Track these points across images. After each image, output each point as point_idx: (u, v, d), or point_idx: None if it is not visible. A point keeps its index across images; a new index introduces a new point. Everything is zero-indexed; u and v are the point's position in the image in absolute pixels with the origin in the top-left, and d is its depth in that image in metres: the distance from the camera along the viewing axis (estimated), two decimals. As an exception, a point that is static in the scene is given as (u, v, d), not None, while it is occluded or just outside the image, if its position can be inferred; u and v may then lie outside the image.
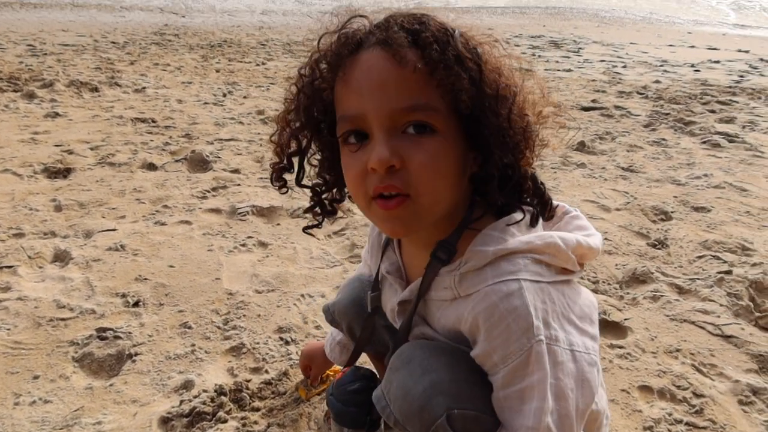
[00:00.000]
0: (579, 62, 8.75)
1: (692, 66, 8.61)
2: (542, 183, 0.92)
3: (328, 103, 0.88)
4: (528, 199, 0.90)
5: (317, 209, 1.00)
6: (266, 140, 0.90)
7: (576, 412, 0.82)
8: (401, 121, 0.79)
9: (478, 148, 0.84)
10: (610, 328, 1.86)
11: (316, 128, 0.92)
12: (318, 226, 1.00)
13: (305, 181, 0.98)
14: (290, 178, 0.98)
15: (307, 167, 0.97)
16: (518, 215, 0.89)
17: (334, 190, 0.99)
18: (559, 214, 1.02)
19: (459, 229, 0.89)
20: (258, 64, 7.24)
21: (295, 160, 0.96)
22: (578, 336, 0.84)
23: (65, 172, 3.11)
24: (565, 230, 0.98)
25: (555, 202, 1.02)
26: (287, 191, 0.99)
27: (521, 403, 0.81)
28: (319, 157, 0.98)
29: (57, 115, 4.26)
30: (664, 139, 4.26)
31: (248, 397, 1.49)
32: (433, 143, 0.79)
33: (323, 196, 0.99)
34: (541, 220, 0.92)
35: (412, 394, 0.88)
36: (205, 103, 4.96)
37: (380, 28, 0.82)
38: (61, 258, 2.21)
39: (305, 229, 1.03)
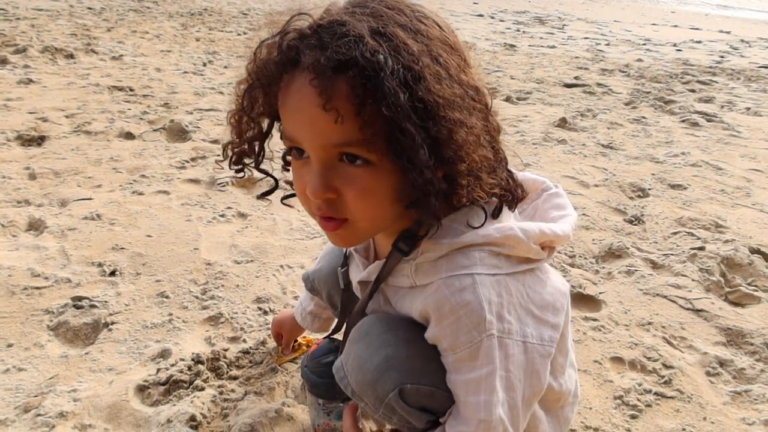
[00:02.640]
0: (563, 39, 8.73)
1: (674, 45, 8.64)
2: (510, 176, 0.90)
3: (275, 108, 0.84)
4: (494, 191, 0.85)
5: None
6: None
7: (523, 401, 0.85)
8: (334, 152, 0.76)
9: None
10: (585, 301, 1.90)
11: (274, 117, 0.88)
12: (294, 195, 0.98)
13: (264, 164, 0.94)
14: (249, 161, 0.94)
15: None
16: (483, 208, 0.86)
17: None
18: (538, 190, 1.01)
19: (419, 221, 0.86)
20: (239, 34, 7.10)
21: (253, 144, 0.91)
22: (534, 326, 0.85)
23: (39, 140, 3.05)
24: (541, 208, 0.99)
25: (535, 176, 1.03)
26: (245, 175, 0.95)
27: (466, 394, 0.84)
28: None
29: (31, 81, 4.15)
30: (644, 117, 4.29)
31: (226, 366, 1.49)
32: (365, 175, 0.76)
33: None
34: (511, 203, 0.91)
35: (366, 366, 0.90)
36: (185, 72, 4.87)
37: (315, 38, 0.74)
38: (36, 227, 2.17)
39: (283, 200, 1.01)
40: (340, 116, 0.71)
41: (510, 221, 0.88)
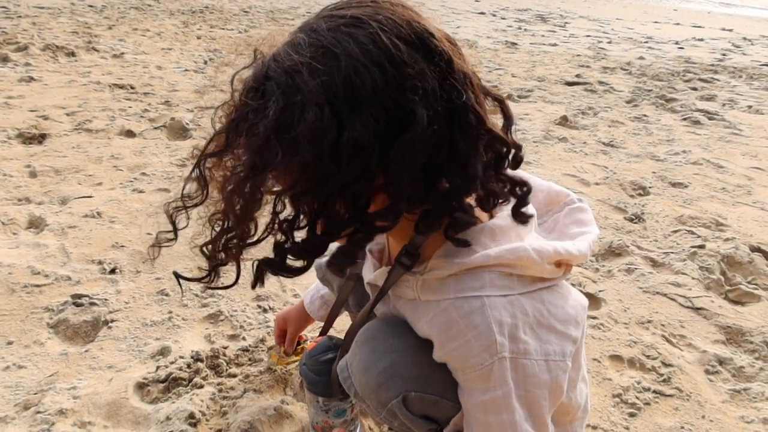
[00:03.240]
0: (565, 37, 8.71)
1: (676, 43, 8.62)
2: (491, 195, 0.82)
3: None
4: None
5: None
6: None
7: (548, 414, 0.84)
8: None
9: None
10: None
11: None
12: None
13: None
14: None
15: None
16: (497, 221, 0.84)
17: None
18: (561, 203, 0.98)
19: (419, 236, 0.83)
20: (240, 32, 7.10)
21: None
22: (557, 342, 0.83)
23: (40, 138, 3.05)
24: (562, 222, 0.96)
25: (560, 188, 1.00)
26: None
27: (486, 414, 0.82)
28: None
29: (32, 79, 4.16)
30: (645, 115, 4.28)
31: (225, 364, 1.49)
32: None
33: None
34: (534, 219, 0.89)
35: (371, 371, 0.89)
36: (186, 70, 4.87)
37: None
38: (36, 224, 2.18)
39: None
40: None
41: (526, 238, 0.85)
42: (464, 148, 0.73)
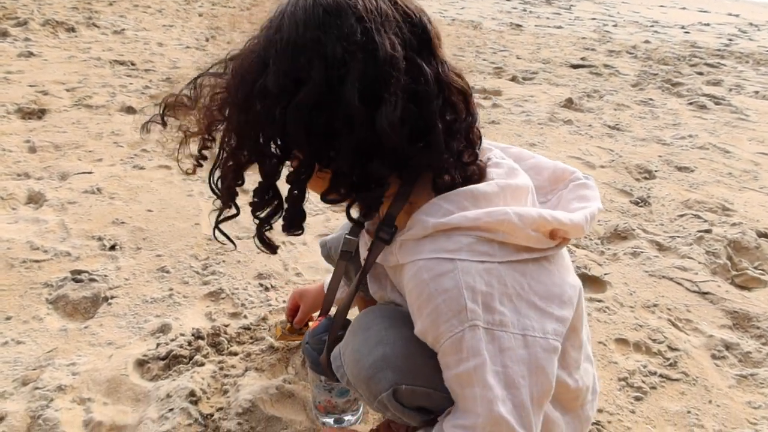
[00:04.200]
0: (570, 19, 8.62)
1: (682, 28, 8.53)
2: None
3: None
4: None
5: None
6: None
7: (532, 400, 0.77)
8: None
9: None
10: (590, 282, 1.87)
11: None
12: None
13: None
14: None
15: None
16: (482, 186, 0.81)
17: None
18: (566, 180, 0.94)
19: (394, 206, 0.84)
20: (242, 9, 7.02)
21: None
22: (537, 319, 0.78)
23: (40, 113, 3.01)
24: (565, 198, 0.92)
25: (565, 165, 0.96)
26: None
27: (462, 387, 0.78)
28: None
29: (31, 54, 4.10)
30: (651, 99, 4.24)
31: (226, 342, 1.48)
32: None
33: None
34: (529, 192, 0.85)
35: (362, 362, 0.88)
36: (187, 47, 4.81)
37: None
38: (35, 200, 2.15)
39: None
40: None
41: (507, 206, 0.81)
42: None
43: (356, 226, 0.92)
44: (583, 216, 0.84)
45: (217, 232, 0.89)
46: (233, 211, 0.88)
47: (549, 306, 0.80)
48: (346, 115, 0.73)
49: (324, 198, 0.82)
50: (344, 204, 0.83)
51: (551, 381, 0.79)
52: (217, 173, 0.85)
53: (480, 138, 0.89)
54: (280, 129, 0.76)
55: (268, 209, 0.85)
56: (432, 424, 0.89)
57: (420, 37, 0.77)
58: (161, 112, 0.87)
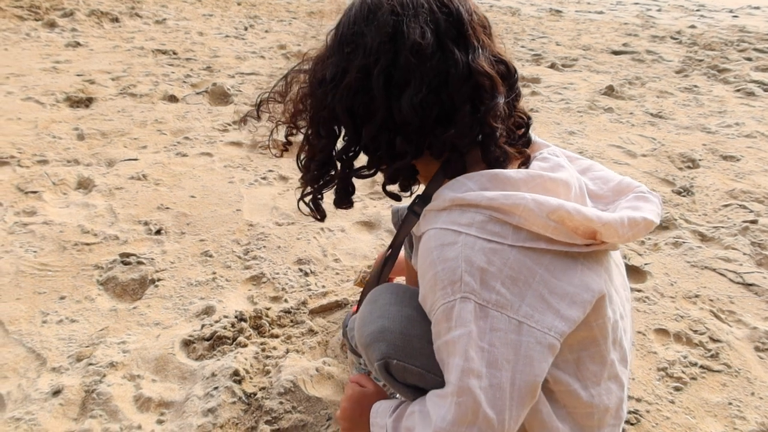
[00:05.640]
0: (612, 4, 8.41)
1: (730, 11, 8.24)
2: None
3: None
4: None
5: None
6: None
7: (512, 386, 0.75)
8: None
9: None
10: (630, 272, 1.85)
11: None
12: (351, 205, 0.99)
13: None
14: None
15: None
16: (508, 171, 0.82)
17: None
18: (629, 192, 0.93)
19: (432, 183, 0.88)
20: (280, -2, 7.07)
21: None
22: (540, 311, 0.77)
23: (87, 102, 3.11)
24: (621, 206, 0.89)
25: (631, 180, 0.95)
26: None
27: (447, 356, 0.78)
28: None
29: (78, 44, 4.23)
30: (696, 86, 4.12)
31: (267, 325, 1.52)
32: None
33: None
34: (573, 186, 0.85)
35: (363, 330, 0.95)
36: (227, 36, 4.88)
37: None
38: (85, 185, 2.23)
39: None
40: None
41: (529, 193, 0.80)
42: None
43: (393, 199, 0.98)
44: (618, 218, 0.81)
45: (301, 204, 0.99)
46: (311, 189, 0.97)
47: (558, 302, 0.78)
48: (376, 98, 0.82)
49: (356, 173, 0.92)
50: (379, 179, 0.92)
51: (537, 375, 0.77)
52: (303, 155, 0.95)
53: (525, 123, 0.91)
54: (331, 111, 0.86)
55: (322, 181, 0.94)
56: None
57: (455, 25, 0.83)
58: (257, 106, 0.97)
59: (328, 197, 0.97)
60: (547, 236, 0.79)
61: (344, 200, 0.95)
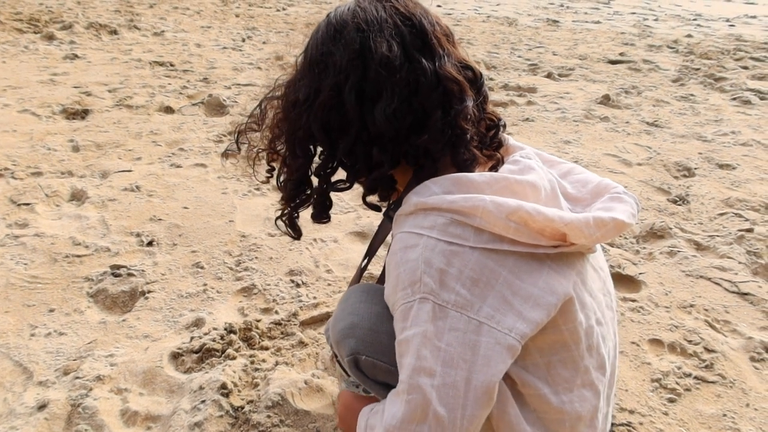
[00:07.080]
0: (609, 14, 8.45)
1: (727, 21, 8.27)
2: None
3: None
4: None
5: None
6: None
7: (467, 385, 0.74)
8: None
9: None
10: (624, 281, 1.84)
11: None
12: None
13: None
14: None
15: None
16: (472, 174, 0.82)
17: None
18: (605, 193, 0.92)
19: (406, 190, 0.90)
20: (278, 10, 7.10)
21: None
22: (502, 311, 0.76)
23: (83, 114, 3.11)
24: (595, 208, 0.89)
25: (609, 181, 0.95)
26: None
27: (400, 356, 0.79)
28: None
29: (76, 56, 4.24)
30: (692, 95, 4.13)
31: (257, 336, 1.50)
32: None
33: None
34: (542, 189, 0.84)
35: (335, 327, 0.99)
36: (224, 47, 4.90)
37: None
38: (78, 197, 2.23)
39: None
40: None
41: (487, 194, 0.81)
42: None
43: (373, 210, 1.01)
44: (583, 218, 0.80)
45: (279, 222, 1.02)
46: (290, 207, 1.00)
47: (521, 304, 0.77)
48: (350, 113, 0.84)
49: (333, 188, 0.94)
50: (360, 191, 0.93)
51: (494, 375, 0.75)
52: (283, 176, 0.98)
53: (495, 125, 0.93)
54: (306, 131, 0.88)
55: (298, 200, 0.96)
56: None
57: (419, 36, 0.85)
58: (235, 139, 1.01)
59: (306, 215, 0.99)
60: (510, 238, 0.79)
61: (322, 215, 0.98)
